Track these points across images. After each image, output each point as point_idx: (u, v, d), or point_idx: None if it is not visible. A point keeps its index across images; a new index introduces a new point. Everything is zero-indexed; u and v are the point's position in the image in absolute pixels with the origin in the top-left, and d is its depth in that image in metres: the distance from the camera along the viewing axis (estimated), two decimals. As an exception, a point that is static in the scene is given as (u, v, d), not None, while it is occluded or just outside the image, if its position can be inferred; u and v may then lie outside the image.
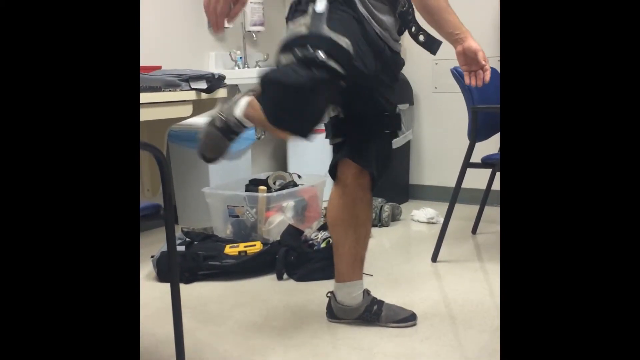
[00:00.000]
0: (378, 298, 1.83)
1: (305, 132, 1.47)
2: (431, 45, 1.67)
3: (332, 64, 1.41)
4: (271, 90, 1.46)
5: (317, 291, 2.06)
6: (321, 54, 1.40)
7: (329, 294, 1.83)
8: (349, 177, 1.69)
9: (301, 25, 1.49)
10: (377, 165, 1.69)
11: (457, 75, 2.32)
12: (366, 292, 1.81)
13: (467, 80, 1.68)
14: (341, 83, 1.46)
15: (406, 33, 1.70)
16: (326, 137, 1.73)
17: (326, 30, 1.45)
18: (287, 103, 1.43)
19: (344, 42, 1.45)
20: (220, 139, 1.56)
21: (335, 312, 1.82)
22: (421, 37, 1.66)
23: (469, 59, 1.64)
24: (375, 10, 1.57)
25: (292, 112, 1.44)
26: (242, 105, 1.55)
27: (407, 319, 1.78)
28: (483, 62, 1.63)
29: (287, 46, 1.46)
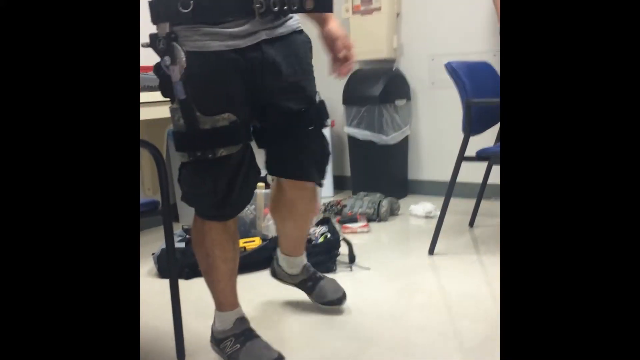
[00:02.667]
0: (320, 275, 1.91)
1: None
2: (324, 4, 1.41)
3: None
4: None
5: (315, 285, 2.09)
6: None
7: (274, 254, 1.93)
8: (285, 183, 1.63)
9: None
10: (315, 169, 1.58)
11: (451, 70, 2.35)
12: (306, 267, 1.89)
13: (330, 69, 1.53)
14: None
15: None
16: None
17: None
18: None
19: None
20: (254, 342, 1.57)
21: (277, 272, 1.93)
22: (309, 5, 1.38)
23: (331, 43, 1.51)
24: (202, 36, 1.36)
25: None
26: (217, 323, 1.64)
27: (332, 302, 1.87)
28: (342, 53, 1.47)
29: None
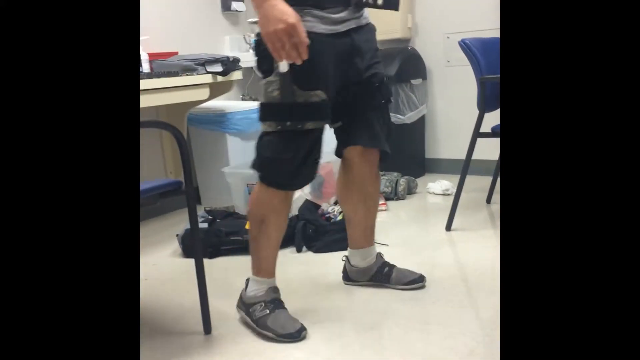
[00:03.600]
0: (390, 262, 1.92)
1: None
2: (390, 2, 1.60)
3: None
4: None
5: (334, 262, 2.14)
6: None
7: (344, 258, 1.95)
8: (356, 157, 1.74)
9: None
10: (385, 139, 1.73)
11: (465, 47, 2.37)
12: (379, 255, 1.92)
13: None
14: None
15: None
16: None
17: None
18: None
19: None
20: (280, 311, 1.66)
21: (350, 274, 1.94)
22: (379, 1, 1.59)
23: None
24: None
25: None
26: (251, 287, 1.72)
27: (415, 280, 1.88)
28: None
29: None
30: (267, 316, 1.65)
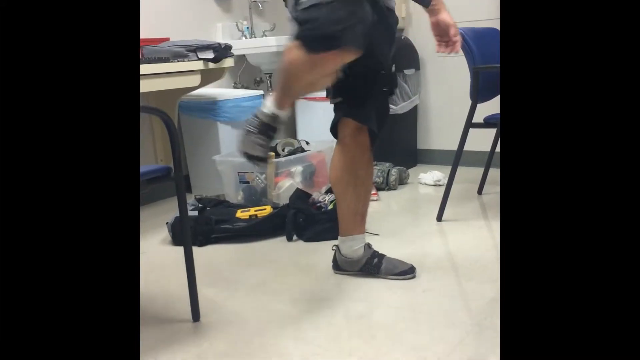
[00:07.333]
0: (380, 252, 1.92)
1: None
2: None
3: None
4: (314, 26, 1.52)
5: (325, 251, 2.13)
6: None
7: (334, 248, 1.95)
8: (347, 136, 1.78)
9: None
10: (376, 121, 1.78)
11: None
12: (367, 246, 1.91)
13: (437, 49, 1.76)
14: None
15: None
16: (327, 97, 1.81)
17: None
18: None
19: None
20: (261, 137, 1.66)
21: (340, 264, 1.94)
22: None
23: (441, 30, 1.72)
24: None
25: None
26: (268, 102, 1.65)
27: (405, 272, 1.88)
28: (455, 39, 1.72)
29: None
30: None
